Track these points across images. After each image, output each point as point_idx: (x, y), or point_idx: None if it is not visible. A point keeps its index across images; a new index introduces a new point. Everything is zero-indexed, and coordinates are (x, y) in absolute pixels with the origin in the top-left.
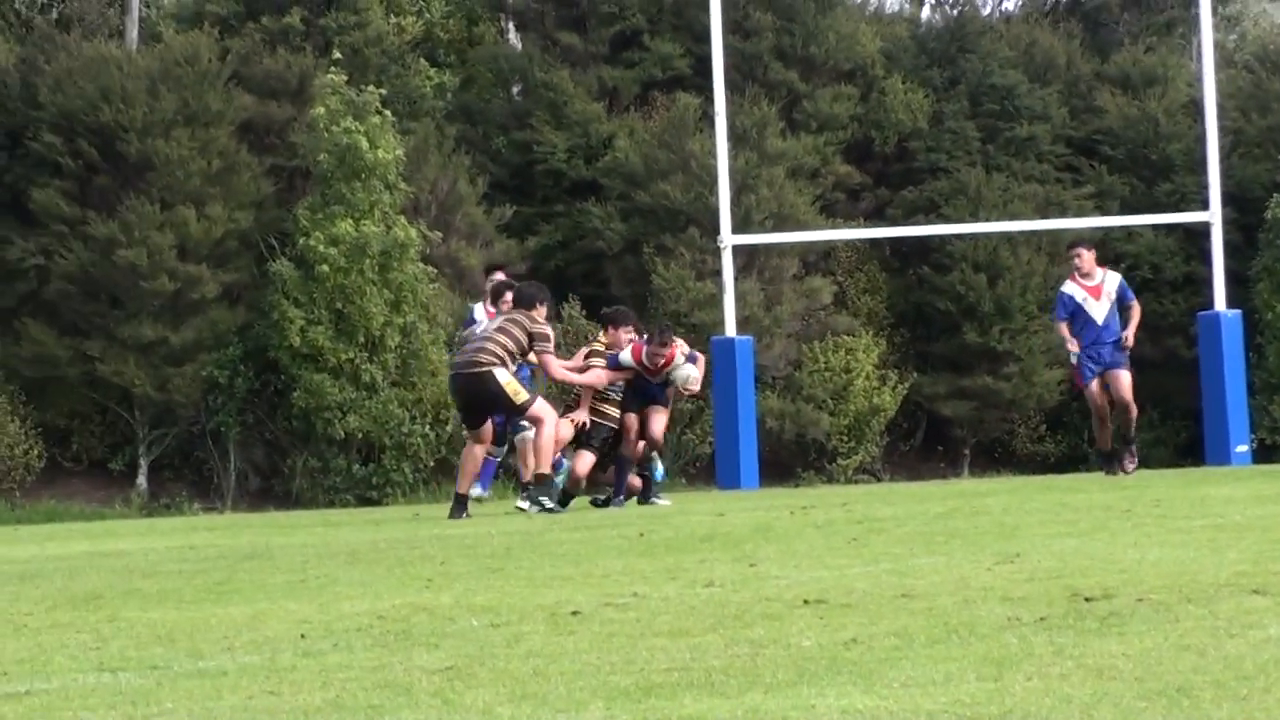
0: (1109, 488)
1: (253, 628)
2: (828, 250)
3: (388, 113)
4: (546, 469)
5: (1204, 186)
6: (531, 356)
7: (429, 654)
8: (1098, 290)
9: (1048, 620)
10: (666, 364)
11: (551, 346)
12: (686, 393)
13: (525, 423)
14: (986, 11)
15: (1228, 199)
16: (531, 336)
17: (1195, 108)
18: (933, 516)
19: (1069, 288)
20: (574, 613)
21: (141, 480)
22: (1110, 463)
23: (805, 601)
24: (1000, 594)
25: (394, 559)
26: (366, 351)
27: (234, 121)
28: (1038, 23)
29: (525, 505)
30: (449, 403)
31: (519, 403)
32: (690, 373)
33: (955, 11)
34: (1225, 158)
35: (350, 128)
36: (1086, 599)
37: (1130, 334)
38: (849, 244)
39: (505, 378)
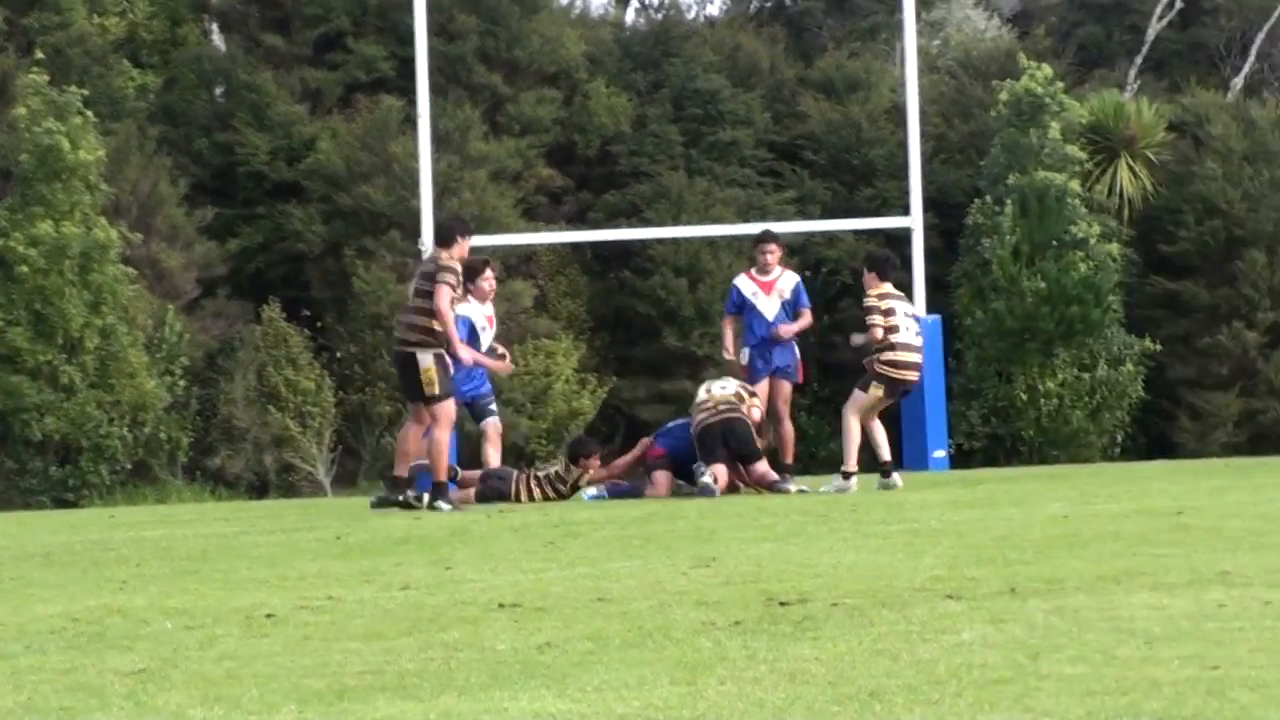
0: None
1: None
2: (529, 254)
3: (90, 113)
4: (442, 476)
5: (905, 192)
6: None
7: (122, 656)
8: (769, 286)
9: (742, 624)
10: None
11: (452, 280)
12: None
13: (493, 406)
14: (691, 16)
15: (929, 204)
16: (435, 275)
17: (898, 113)
18: (629, 520)
19: (740, 281)
20: (268, 615)
21: None
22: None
23: (500, 605)
24: (695, 598)
25: (89, 561)
26: (65, 353)
27: None
28: (742, 27)
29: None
30: (146, 405)
31: (427, 393)
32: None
33: (659, 16)
34: (927, 163)
35: (52, 128)
36: (781, 603)
37: (785, 329)
38: (551, 247)
39: (426, 363)
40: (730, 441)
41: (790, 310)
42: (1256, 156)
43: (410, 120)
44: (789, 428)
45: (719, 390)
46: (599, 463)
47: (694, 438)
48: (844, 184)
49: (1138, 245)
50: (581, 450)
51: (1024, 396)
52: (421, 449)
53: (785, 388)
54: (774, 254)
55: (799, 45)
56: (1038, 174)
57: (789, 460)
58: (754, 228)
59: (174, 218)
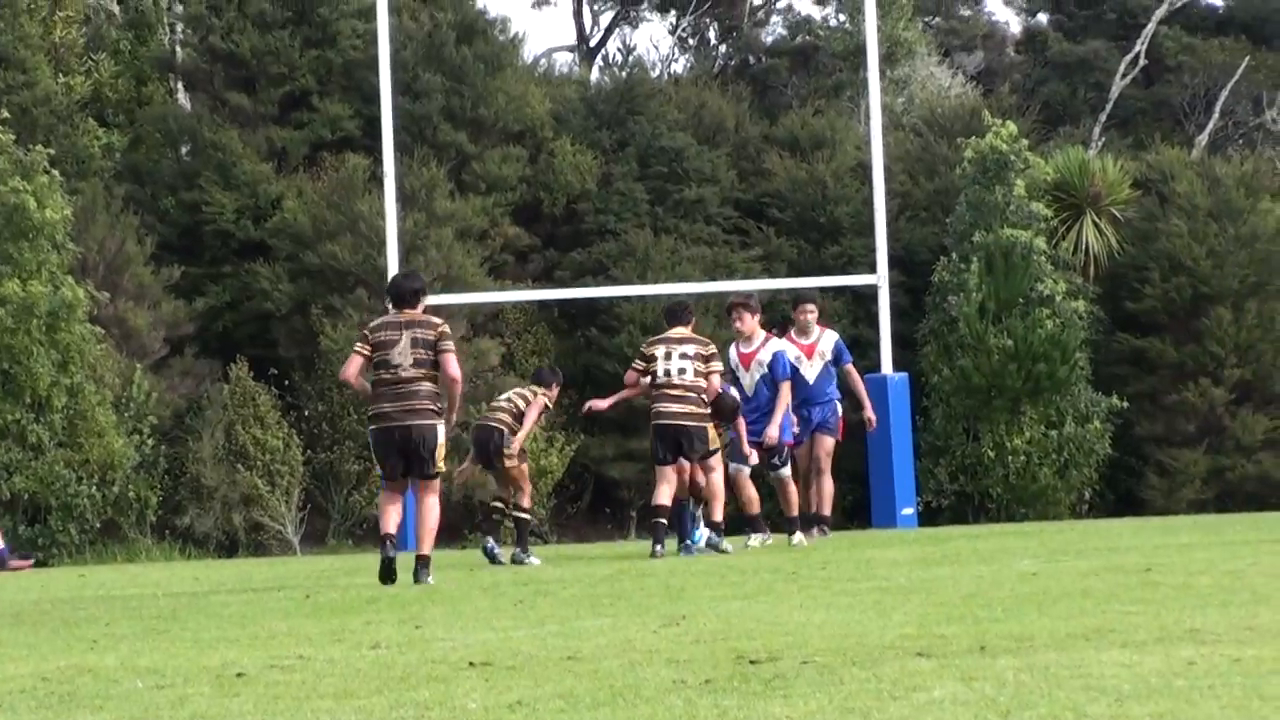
0: (777, 550)
1: None
2: (496, 312)
3: (55, 172)
4: (427, 551)
5: (871, 249)
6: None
7: (93, 716)
8: (811, 349)
9: (713, 683)
10: None
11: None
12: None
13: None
14: (655, 74)
15: (895, 262)
16: (442, 343)
17: (863, 170)
18: (599, 579)
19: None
20: (239, 675)
21: None
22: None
23: (471, 664)
24: (666, 656)
25: (59, 620)
26: (33, 412)
27: None
28: (706, 85)
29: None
30: (115, 464)
31: (441, 469)
32: None
33: (625, 74)
34: (893, 221)
35: (18, 187)
36: (751, 661)
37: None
38: (517, 305)
39: (442, 436)
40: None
41: (832, 368)
42: (1221, 213)
43: (376, 179)
44: (829, 482)
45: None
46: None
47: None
48: (810, 241)
49: (1104, 302)
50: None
51: (992, 454)
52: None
53: (827, 443)
54: (813, 314)
55: (764, 103)
56: (1003, 231)
57: (826, 513)
58: (721, 286)
59: (141, 276)
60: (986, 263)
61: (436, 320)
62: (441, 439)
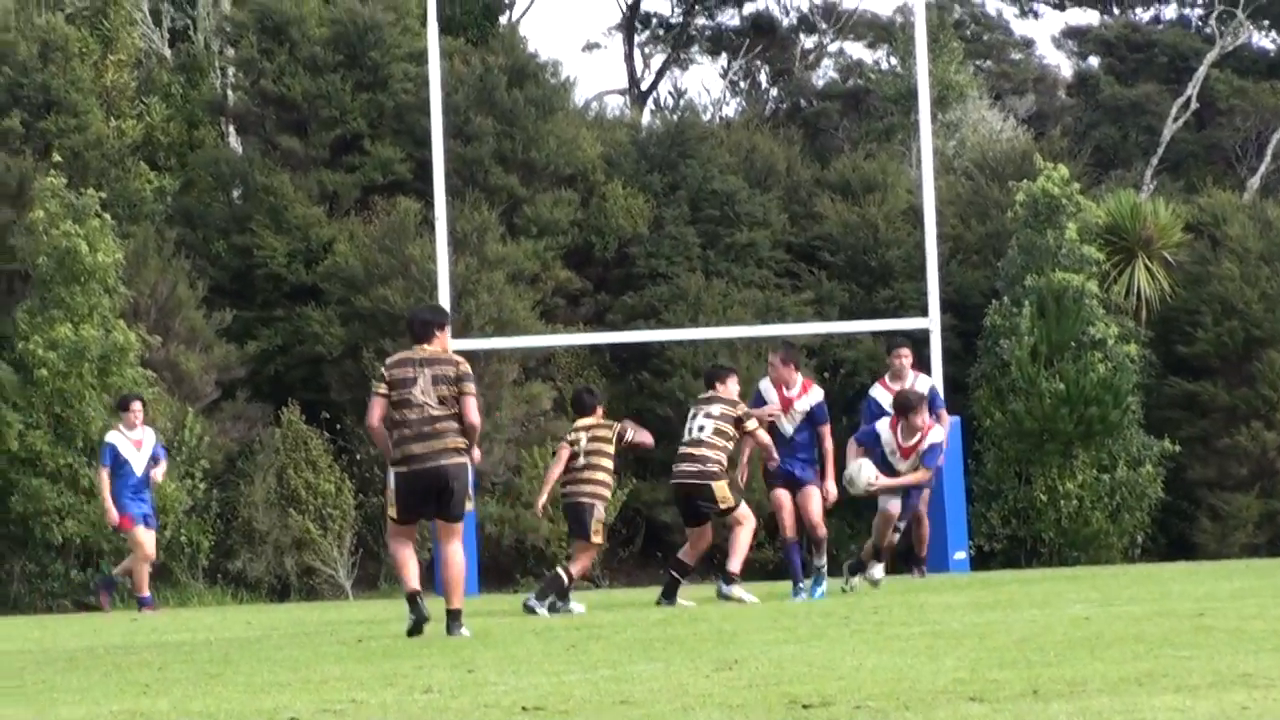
0: (830, 595)
1: None
2: (548, 356)
3: (107, 216)
4: (458, 604)
5: (923, 293)
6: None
7: None
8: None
9: None
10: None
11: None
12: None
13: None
14: (707, 117)
15: (947, 305)
16: (463, 381)
17: (915, 214)
18: (652, 623)
19: (877, 391)
20: (291, 719)
21: None
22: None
23: (524, 709)
24: (718, 701)
25: (111, 664)
26: (85, 456)
27: None
28: (758, 129)
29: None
30: (167, 508)
31: (465, 510)
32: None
33: (675, 117)
34: (944, 264)
35: (70, 231)
36: (804, 706)
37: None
38: (569, 349)
39: (471, 476)
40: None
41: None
42: (1274, 256)
43: (428, 222)
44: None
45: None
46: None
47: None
48: (861, 285)
49: (1156, 346)
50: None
51: (1044, 498)
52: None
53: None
54: (908, 359)
55: (815, 146)
56: (1055, 275)
57: (922, 554)
58: (772, 330)
59: (192, 320)
60: (1038, 306)
61: (457, 358)
62: (471, 479)
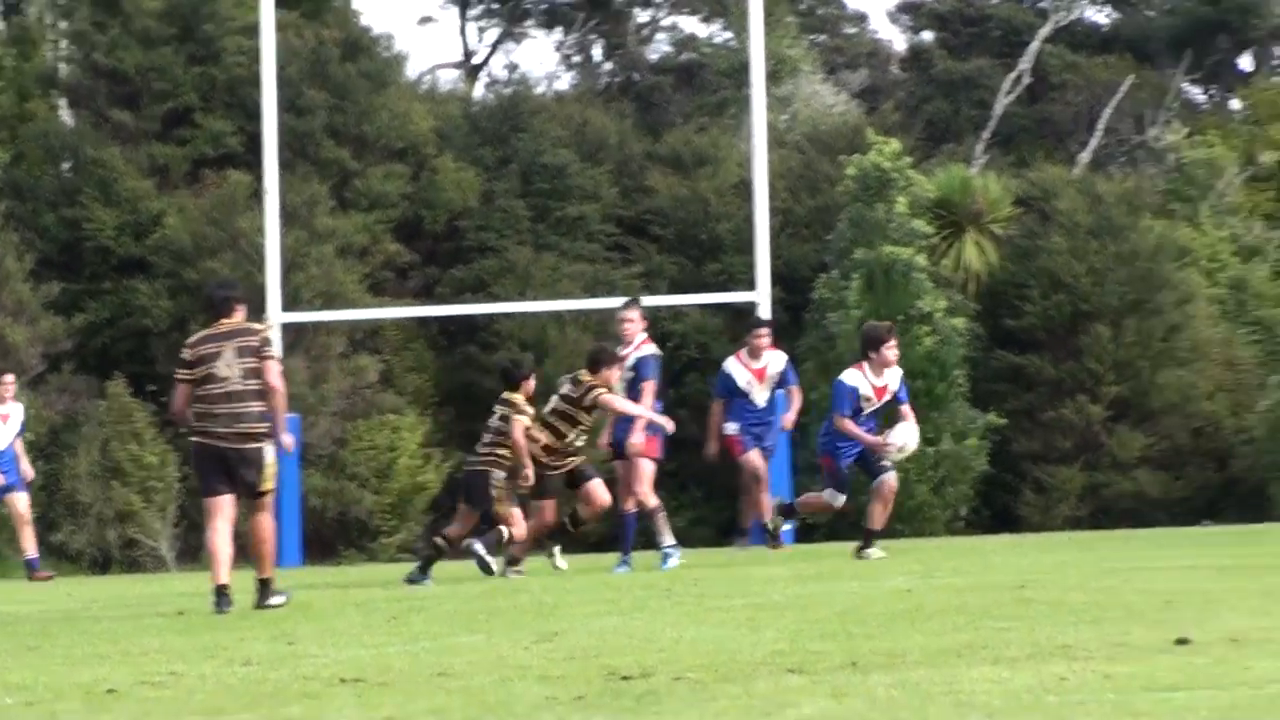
0: (651, 568)
1: None
2: (375, 328)
3: None
4: (268, 573)
5: (752, 266)
6: None
7: None
8: (761, 373)
9: (584, 699)
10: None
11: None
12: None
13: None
14: (539, 90)
15: (776, 279)
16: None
17: (745, 188)
18: (474, 595)
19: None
20: (110, 691)
21: None
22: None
23: (342, 680)
24: (538, 673)
25: None
26: None
27: None
28: (590, 102)
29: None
30: None
31: (271, 486)
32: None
33: (508, 91)
34: (774, 238)
35: None
36: (624, 678)
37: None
38: (397, 322)
39: (270, 457)
40: None
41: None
42: (1102, 231)
43: (258, 195)
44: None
45: None
46: (617, 374)
47: None
48: (691, 259)
49: (983, 319)
50: (603, 358)
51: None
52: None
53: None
54: (768, 338)
55: (647, 120)
56: (884, 248)
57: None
58: (601, 303)
59: (20, 293)
60: (867, 280)
61: (258, 326)
62: (270, 459)
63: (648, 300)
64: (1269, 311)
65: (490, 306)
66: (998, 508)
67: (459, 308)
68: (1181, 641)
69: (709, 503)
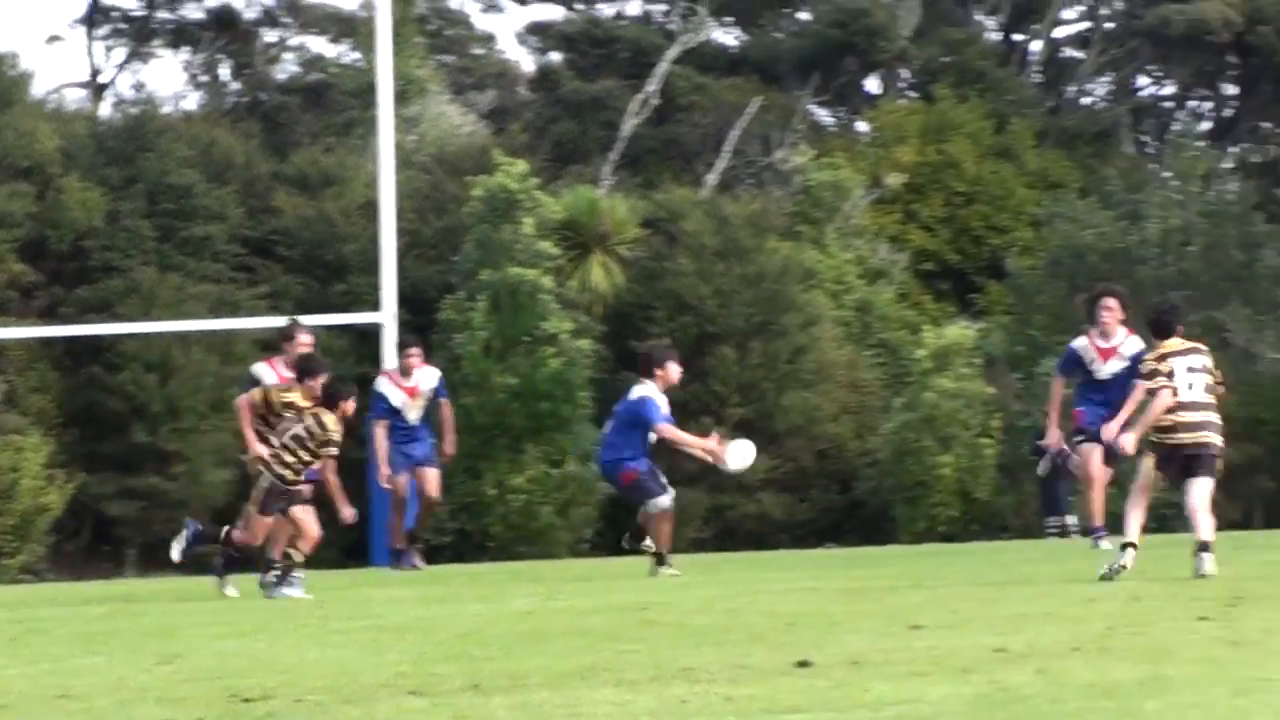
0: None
1: None
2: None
3: None
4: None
5: (378, 287)
6: None
7: None
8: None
9: None
10: None
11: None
12: None
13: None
14: (166, 110)
15: (402, 300)
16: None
17: (372, 208)
18: (95, 617)
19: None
20: None
21: None
22: None
23: None
24: (158, 695)
25: None
26: None
27: None
28: (217, 122)
29: None
30: None
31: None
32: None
33: (135, 110)
34: (401, 259)
35: None
36: (245, 699)
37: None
38: (21, 342)
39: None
40: None
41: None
42: (728, 252)
43: None
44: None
45: None
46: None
47: None
48: (317, 279)
49: (610, 341)
50: (341, 391)
51: (493, 492)
52: None
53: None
54: (418, 356)
55: (274, 140)
56: (510, 270)
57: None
58: (225, 323)
59: None
60: (493, 301)
61: None
62: None
63: (274, 321)
64: (894, 334)
65: (115, 327)
66: (622, 530)
67: (83, 328)
68: (803, 664)
69: (332, 526)
